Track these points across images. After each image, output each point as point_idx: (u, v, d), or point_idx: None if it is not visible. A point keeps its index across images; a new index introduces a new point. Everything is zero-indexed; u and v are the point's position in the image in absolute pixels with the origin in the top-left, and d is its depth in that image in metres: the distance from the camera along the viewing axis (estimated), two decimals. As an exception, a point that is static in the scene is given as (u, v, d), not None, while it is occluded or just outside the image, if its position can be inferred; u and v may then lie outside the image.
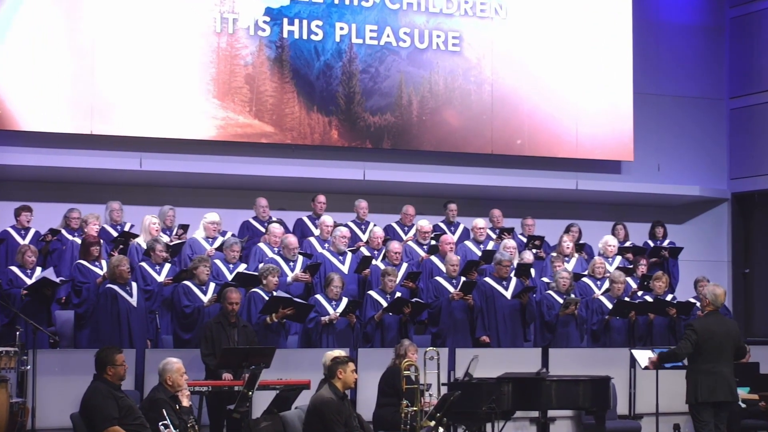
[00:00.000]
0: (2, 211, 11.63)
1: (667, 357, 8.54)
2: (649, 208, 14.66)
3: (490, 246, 12.07)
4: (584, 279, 11.68)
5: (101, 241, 10.55)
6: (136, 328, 9.56)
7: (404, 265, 11.25)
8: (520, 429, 9.99)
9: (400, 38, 13.41)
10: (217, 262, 10.63)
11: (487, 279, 11.06)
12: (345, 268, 10.98)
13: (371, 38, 13.29)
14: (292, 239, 10.93)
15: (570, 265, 11.94)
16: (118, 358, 7.18)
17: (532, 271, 11.60)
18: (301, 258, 10.94)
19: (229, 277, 10.36)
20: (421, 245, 11.91)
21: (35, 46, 11.94)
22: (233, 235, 11.40)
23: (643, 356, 9.45)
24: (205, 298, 9.82)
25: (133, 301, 9.60)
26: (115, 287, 9.55)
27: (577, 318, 10.95)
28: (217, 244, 11.06)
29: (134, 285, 9.73)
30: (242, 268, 10.61)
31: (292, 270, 10.76)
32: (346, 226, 11.80)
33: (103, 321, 9.51)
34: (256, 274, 10.26)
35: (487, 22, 13.76)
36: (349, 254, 11.18)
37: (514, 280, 11.06)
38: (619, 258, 12.35)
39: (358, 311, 10.30)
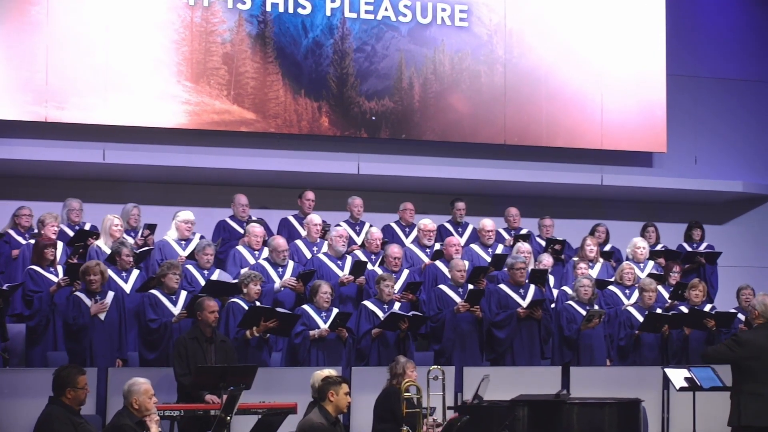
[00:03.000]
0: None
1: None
2: (685, 207, 14.67)
3: (500, 250, 12.08)
4: (611, 287, 11.70)
5: (58, 243, 10.54)
6: (105, 344, 9.60)
7: (405, 272, 11.26)
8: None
9: (400, 12, 13.42)
10: (191, 268, 10.64)
11: (502, 286, 11.08)
12: (343, 275, 10.98)
13: (367, 12, 13.30)
14: (281, 241, 10.93)
15: (594, 272, 11.95)
16: (81, 380, 7.16)
17: (551, 278, 11.61)
18: (291, 263, 10.95)
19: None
20: (424, 249, 11.92)
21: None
22: (202, 237, 11.40)
23: (678, 376, 9.46)
24: (175, 310, 9.83)
25: (102, 314, 9.65)
26: (82, 296, 9.59)
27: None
28: (190, 248, 11.05)
29: (110, 295, 9.76)
30: (217, 274, 10.62)
31: (281, 277, 10.76)
32: (339, 225, 11.83)
33: (67, 335, 9.56)
34: (230, 282, 10.27)
35: (499, -6, 13.79)
36: (348, 258, 11.20)
37: (532, 288, 11.08)
38: (650, 263, 12.36)
39: (353, 324, 10.31)
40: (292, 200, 12.41)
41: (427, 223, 12.00)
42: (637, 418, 8.90)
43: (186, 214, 11.32)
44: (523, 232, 12.71)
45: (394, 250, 11.15)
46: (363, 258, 11.38)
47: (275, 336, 9.99)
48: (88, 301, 9.62)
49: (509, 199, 13.45)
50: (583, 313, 10.96)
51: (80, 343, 9.57)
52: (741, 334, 8.44)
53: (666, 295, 11.74)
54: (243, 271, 10.50)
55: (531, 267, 11.48)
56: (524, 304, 10.90)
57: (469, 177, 13.48)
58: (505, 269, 11.29)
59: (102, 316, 9.64)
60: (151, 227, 11.30)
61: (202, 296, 9.46)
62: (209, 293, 9.89)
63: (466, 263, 11.24)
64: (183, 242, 11.20)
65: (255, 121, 12.87)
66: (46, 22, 12.12)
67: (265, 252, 11.05)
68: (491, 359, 10.87)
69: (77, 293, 9.65)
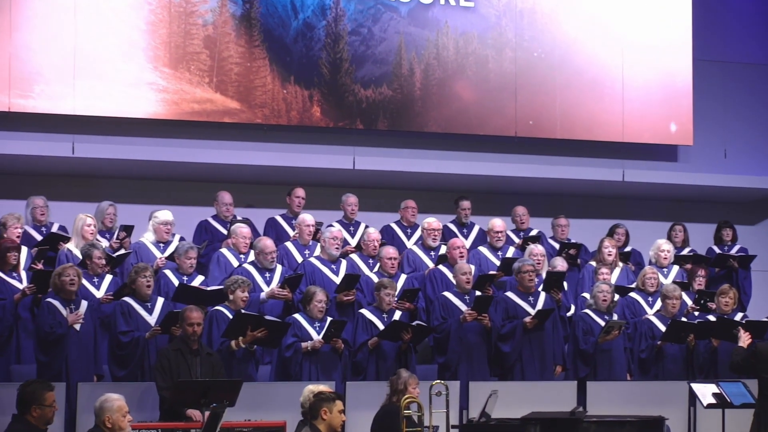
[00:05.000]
0: None
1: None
2: (714, 205, 14.70)
3: (511, 253, 12.11)
4: (632, 294, 11.72)
5: (21, 246, 10.57)
6: (81, 358, 9.61)
7: (402, 277, 11.29)
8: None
9: (400, -9, 13.47)
10: (169, 274, 10.66)
11: (509, 294, 11.11)
12: (339, 280, 10.99)
13: (363, -9, 13.35)
14: (269, 242, 10.95)
15: (613, 277, 11.98)
16: (48, 396, 7.18)
17: (565, 284, 11.65)
18: (279, 267, 10.98)
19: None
20: (428, 251, 11.95)
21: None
22: (182, 239, 11.42)
23: (706, 391, 9.49)
24: (151, 319, 9.87)
25: (77, 324, 9.66)
26: (56, 302, 9.61)
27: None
28: (169, 251, 11.08)
29: (84, 304, 9.76)
30: (199, 281, 10.64)
31: (269, 283, 10.79)
32: (332, 226, 11.84)
33: (41, 346, 9.56)
34: (206, 288, 10.31)
35: (509, -29, 13.82)
36: (344, 262, 11.23)
37: (542, 296, 11.11)
38: (675, 268, 12.39)
39: (348, 335, 10.35)
40: (280, 198, 12.42)
41: (432, 221, 12.00)
42: (660, 437, 8.95)
43: (164, 214, 11.34)
44: (533, 233, 12.73)
45: (389, 251, 11.17)
46: (359, 262, 11.40)
47: (262, 348, 10.01)
48: (63, 310, 9.64)
49: (520, 196, 13.47)
50: (601, 323, 10.98)
51: (56, 356, 9.58)
52: (760, 346, 8.51)
53: (690, 303, 11.76)
54: (234, 276, 10.48)
55: (545, 270, 11.50)
56: (533, 313, 10.91)
57: (475, 173, 13.49)
58: (513, 273, 11.30)
59: (77, 327, 9.67)
60: (128, 229, 11.26)
61: (184, 307, 9.46)
62: (180, 299, 9.91)
63: (472, 267, 11.26)
64: (161, 244, 11.23)
65: (239, 110, 12.88)
66: (8, 4, 12.12)
67: (251, 255, 11.07)
68: (498, 375, 10.88)
69: (50, 300, 9.63)
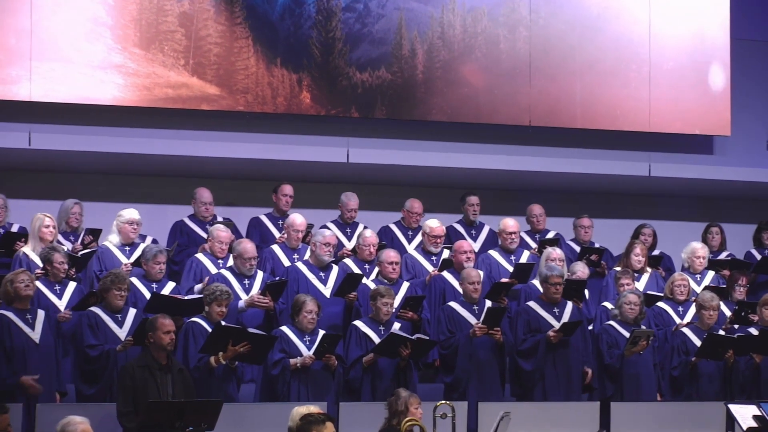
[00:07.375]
0: None
1: None
2: (754, 203, 14.70)
3: (525, 257, 12.06)
4: (660, 303, 11.69)
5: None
6: (44, 375, 9.48)
7: (404, 284, 11.24)
8: None
9: (400, -38, 13.45)
10: (136, 281, 10.58)
11: (532, 304, 11.04)
12: (327, 290, 10.99)
13: (358, -38, 13.33)
14: (249, 246, 10.91)
15: (641, 284, 11.95)
16: (2, 420, 7.16)
17: (586, 292, 11.60)
18: (260, 274, 10.93)
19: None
20: (429, 257, 11.90)
21: None
22: (154, 241, 11.38)
23: (745, 413, 9.45)
24: (121, 332, 9.80)
25: (35, 335, 9.60)
26: (9, 314, 9.55)
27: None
28: (136, 254, 11.03)
29: (40, 314, 9.69)
30: (170, 288, 10.58)
31: (247, 290, 10.74)
32: (326, 227, 11.80)
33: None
34: (183, 297, 10.26)
35: (522, -61, 13.81)
36: (335, 269, 11.18)
37: (569, 306, 11.03)
38: (711, 274, 12.36)
39: (341, 350, 10.30)
40: (265, 195, 12.42)
41: (434, 226, 11.96)
42: (695, 465, 8.93)
43: (130, 212, 11.31)
44: (550, 235, 12.72)
45: (390, 254, 11.13)
46: (354, 268, 11.37)
47: (244, 364, 9.96)
48: (20, 323, 9.55)
49: (534, 193, 13.49)
50: (628, 335, 10.93)
51: (13, 375, 9.51)
52: None
53: (729, 313, 11.71)
54: (206, 286, 10.43)
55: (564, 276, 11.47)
56: (559, 326, 10.84)
57: (485, 167, 13.49)
58: (533, 281, 11.28)
59: (37, 339, 9.60)
60: (95, 233, 11.27)
61: (154, 315, 9.43)
62: (154, 310, 9.86)
63: (481, 273, 11.22)
64: (127, 248, 11.19)
65: (219, 97, 12.86)
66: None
67: (230, 260, 11.02)
68: (518, 395, 10.83)
69: (4, 312, 9.55)
